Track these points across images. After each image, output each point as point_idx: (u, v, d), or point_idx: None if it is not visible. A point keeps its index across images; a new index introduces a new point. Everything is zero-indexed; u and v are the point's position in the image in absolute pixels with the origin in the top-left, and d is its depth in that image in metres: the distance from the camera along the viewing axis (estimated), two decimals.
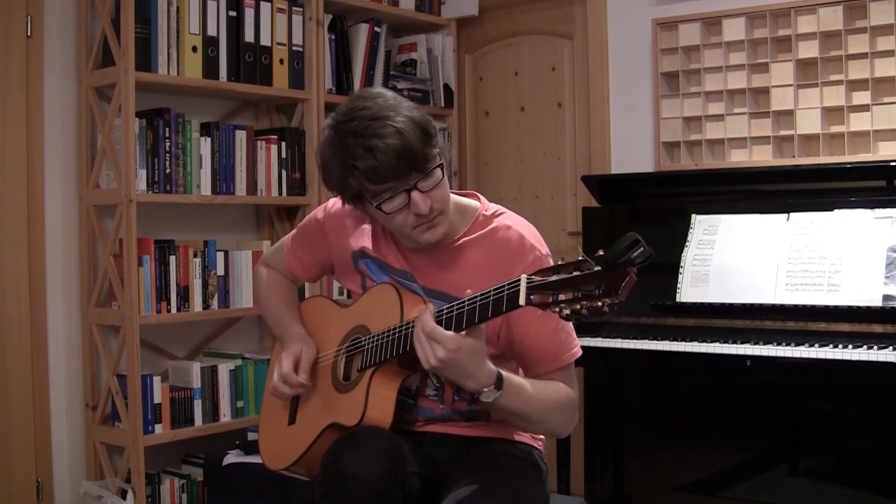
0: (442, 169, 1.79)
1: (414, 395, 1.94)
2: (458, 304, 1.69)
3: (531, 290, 1.55)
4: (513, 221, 1.91)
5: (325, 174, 1.84)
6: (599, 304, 1.47)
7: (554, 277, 1.53)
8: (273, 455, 2.06)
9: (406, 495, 1.75)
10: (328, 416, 1.90)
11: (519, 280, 1.57)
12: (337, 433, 1.85)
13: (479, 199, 1.97)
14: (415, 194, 1.76)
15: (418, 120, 1.76)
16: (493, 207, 1.95)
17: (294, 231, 2.18)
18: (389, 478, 1.71)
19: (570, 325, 1.85)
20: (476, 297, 1.65)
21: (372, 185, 1.75)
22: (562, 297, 1.51)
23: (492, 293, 1.62)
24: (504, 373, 1.72)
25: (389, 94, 1.81)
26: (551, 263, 1.85)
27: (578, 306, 1.49)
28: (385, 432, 1.80)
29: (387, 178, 1.74)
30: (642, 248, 1.45)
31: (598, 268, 1.48)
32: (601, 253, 1.48)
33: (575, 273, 1.50)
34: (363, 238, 1.99)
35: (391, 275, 1.94)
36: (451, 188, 1.88)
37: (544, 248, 1.89)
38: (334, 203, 2.05)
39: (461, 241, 1.90)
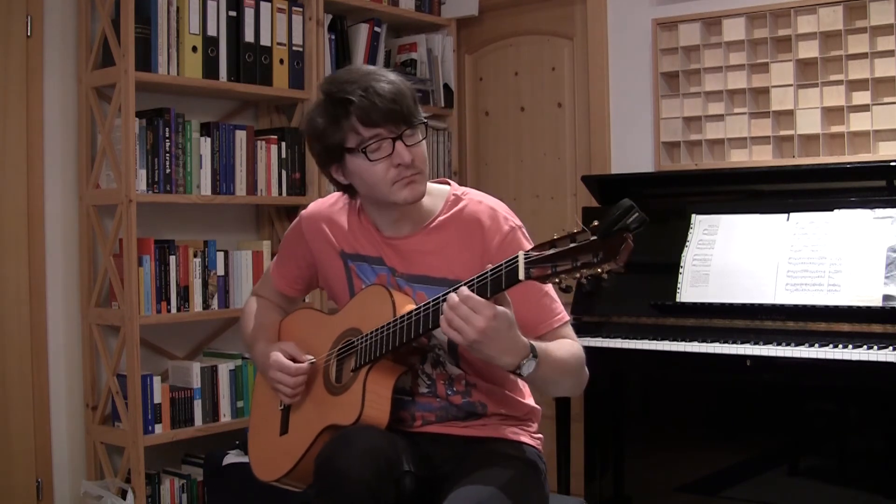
0: (425, 130, 1.87)
1: (409, 393, 1.94)
2: (455, 288, 1.69)
3: (529, 264, 1.57)
4: (482, 197, 1.95)
5: (311, 127, 1.88)
6: (599, 270, 1.49)
7: (551, 251, 1.55)
8: (265, 466, 2.03)
9: (400, 493, 1.75)
10: (323, 419, 1.89)
11: (516, 257, 1.59)
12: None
13: (449, 184, 2.00)
14: (399, 144, 1.82)
15: (407, 82, 1.87)
16: (462, 189, 1.98)
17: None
18: (382, 475, 1.71)
19: (553, 291, 1.85)
20: (473, 279, 1.66)
21: (363, 128, 1.81)
22: (560, 268, 1.53)
23: (489, 272, 1.64)
24: (532, 341, 1.71)
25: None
26: (525, 234, 1.89)
27: (578, 275, 1.52)
28: (379, 430, 1.80)
29: (379, 122, 1.80)
30: (637, 214, 1.47)
31: (593, 237, 1.50)
32: (596, 223, 1.50)
33: (571, 244, 1.52)
34: (343, 238, 2.00)
35: (370, 265, 1.96)
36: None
37: (516, 220, 1.92)
38: (311, 207, 2.09)
39: (435, 222, 1.92)
